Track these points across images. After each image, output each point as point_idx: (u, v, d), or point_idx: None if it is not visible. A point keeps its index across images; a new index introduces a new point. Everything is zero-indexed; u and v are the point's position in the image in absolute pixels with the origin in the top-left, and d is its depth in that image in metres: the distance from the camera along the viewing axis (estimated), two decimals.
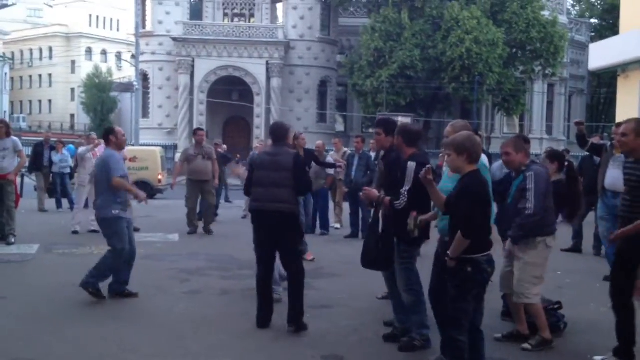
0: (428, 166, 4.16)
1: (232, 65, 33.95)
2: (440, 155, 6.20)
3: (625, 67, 16.81)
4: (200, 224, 11.08)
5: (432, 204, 4.56)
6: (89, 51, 61.28)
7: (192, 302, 6.29)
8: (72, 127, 58.70)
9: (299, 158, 5.54)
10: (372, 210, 5.05)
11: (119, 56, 62.03)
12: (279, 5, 37.22)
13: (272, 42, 34.07)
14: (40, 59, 65.39)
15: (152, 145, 26.46)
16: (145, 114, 35.96)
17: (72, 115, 62.09)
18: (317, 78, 35.95)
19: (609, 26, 41.72)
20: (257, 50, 33.96)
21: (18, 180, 10.74)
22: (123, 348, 4.82)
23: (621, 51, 16.22)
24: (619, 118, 14.01)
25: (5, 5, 42.01)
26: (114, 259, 6.15)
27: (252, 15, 37.30)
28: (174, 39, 34.06)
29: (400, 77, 29.25)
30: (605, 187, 7.32)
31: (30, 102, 66.59)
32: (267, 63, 33.99)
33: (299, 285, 5.35)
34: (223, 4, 36.80)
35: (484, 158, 4.39)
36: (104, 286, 6.25)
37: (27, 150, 12.58)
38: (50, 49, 63.99)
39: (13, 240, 9.12)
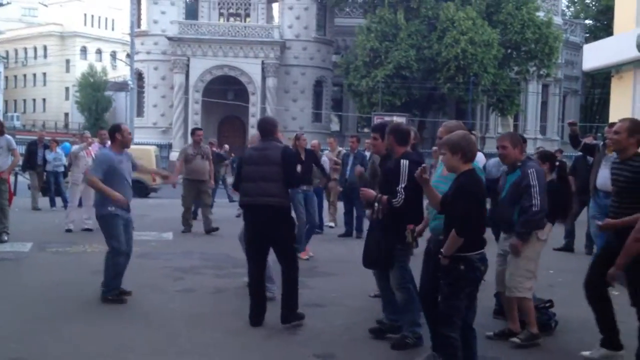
0: (423, 165, 4.15)
1: (227, 65, 33.94)
2: (434, 149, 6.21)
3: (619, 68, 16.84)
4: (201, 224, 11.04)
5: (425, 203, 4.59)
6: (83, 50, 61.26)
7: (186, 300, 6.29)
8: (66, 125, 58.47)
9: (287, 151, 5.54)
10: (370, 212, 5.06)
11: (113, 55, 61.95)
12: (275, 5, 37.21)
13: (268, 42, 34.08)
14: (35, 57, 65.26)
15: (147, 144, 26.39)
16: (140, 113, 35.91)
17: (67, 114, 61.89)
18: (313, 78, 35.96)
19: (603, 27, 41.84)
20: (252, 49, 33.95)
21: (12, 178, 10.73)
22: (117, 346, 4.82)
23: (615, 52, 16.26)
24: (613, 118, 14.05)
25: (0, 4, 41.82)
26: (113, 257, 6.13)
27: (247, 15, 37.30)
28: (169, 39, 34.03)
29: (396, 77, 29.31)
30: (597, 186, 7.35)
31: (25, 100, 66.38)
32: (263, 63, 34.00)
33: (293, 282, 5.36)
34: (218, 4, 36.78)
35: (479, 157, 4.41)
36: (125, 283, 6.21)
37: (21, 149, 12.54)
38: (45, 48, 63.85)
39: (6, 238, 9.11)
